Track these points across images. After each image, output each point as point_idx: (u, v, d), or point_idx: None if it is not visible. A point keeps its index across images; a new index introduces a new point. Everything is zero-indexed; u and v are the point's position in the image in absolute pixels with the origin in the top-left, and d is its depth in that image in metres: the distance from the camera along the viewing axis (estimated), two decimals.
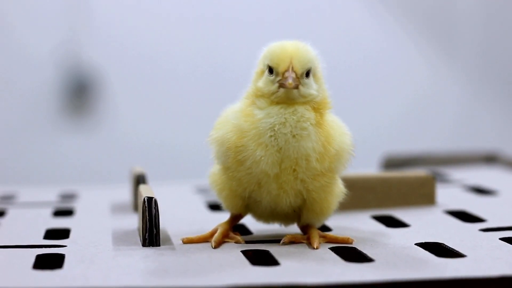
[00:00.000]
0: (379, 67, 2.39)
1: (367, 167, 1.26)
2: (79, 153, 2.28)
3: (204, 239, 0.89)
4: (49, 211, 1.10)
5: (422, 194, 1.08)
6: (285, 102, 0.84)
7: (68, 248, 0.86)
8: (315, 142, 0.84)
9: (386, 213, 1.05)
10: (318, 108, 0.85)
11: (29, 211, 1.10)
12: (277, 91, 0.84)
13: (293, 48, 0.85)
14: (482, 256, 0.81)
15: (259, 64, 0.87)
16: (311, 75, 0.85)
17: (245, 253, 0.84)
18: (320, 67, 0.87)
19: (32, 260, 0.81)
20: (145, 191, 0.90)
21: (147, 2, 2.32)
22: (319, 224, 0.90)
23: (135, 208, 1.06)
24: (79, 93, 2.27)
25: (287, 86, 0.83)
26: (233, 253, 0.83)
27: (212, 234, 0.89)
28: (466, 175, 1.32)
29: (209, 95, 2.26)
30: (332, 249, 0.85)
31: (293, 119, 0.84)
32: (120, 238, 0.91)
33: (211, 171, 0.91)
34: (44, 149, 2.27)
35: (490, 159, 1.43)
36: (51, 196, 1.23)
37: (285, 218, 0.89)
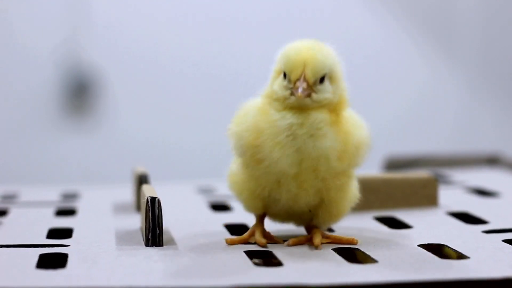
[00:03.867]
0: (380, 68, 2.39)
1: (369, 168, 1.26)
2: (81, 153, 2.28)
3: (245, 241, 0.88)
4: (51, 210, 1.10)
5: (424, 196, 1.08)
6: (299, 108, 0.83)
7: (71, 247, 0.86)
8: (333, 141, 0.83)
9: (388, 214, 1.05)
10: (334, 109, 0.84)
11: (32, 211, 1.10)
12: (289, 98, 0.83)
13: (307, 53, 0.83)
14: (485, 257, 0.81)
15: (277, 63, 0.86)
16: (326, 79, 0.84)
17: (249, 254, 0.84)
18: (339, 68, 0.86)
19: (35, 259, 0.81)
20: (148, 191, 0.90)
21: (147, 2, 2.32)
22: (327, 226, 0.89)
23: (138, 208, 1.06)
24: (79, 93, 2.27)
25: (297, 96, 0.82)
26: (236, 253, 0.83)
27: (250, 235, 0.88)
28: (468, 177, 1.32)
29: (210, 95, 2.26)
30: (335, 250, 0.85)
31: (308, 121, 0.83)
32: (123, 238, 0.91)
33: (230, 172, 0.90)
34: (45, 149, 2.27)
35: (492, 160, 1.44)
36: (53, 195, 1.23)
37: (299, 218, 0.89)
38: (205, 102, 2.26)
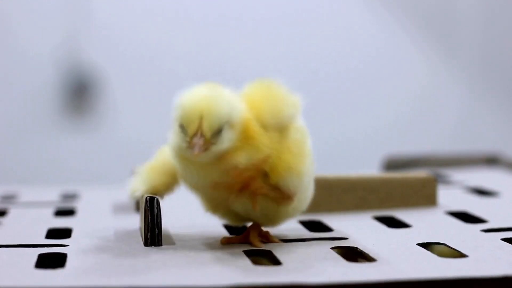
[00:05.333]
0: (379, 68, 2.39)
1: (368, 168, 1.26)
2: (80, 153, 2.28)
3: (240, 241, 0.88)
4: (50, 210, 1.10)
5: (423, 195, 1.08)
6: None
7: (70, 247, 0.86)
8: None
9: (387, 213, 1.05)
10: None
11: (31, 211, 1.10)
12: (186, 151, 0.80)
13: (204, 104, 0.79)
14: (484, 256, 0.81)
15: (174, 113, 0.83)
16: (225, 128, 0.79)
17: (248, 253, 0.84)
18: (237, 115, 0.80)
19: (34, 259, 0.81)
20: None
21: (147, 2, 2.32)
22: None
23: (137, 208, 1.06)
24: (79, 93, 2.27)
25: (193, 154, 0.79)
26: (235, 252, 0.83)
27: (245, 236, 0.88)
28: (467, 177, 1.32)
29: None
30: (333, 248, 0.85)
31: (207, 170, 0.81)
32: (122, 238, 0.91)
33: None
34: (45, 149, 2.27)
35: (491, 160, 1.44)
36: (53, 196, 1.23)
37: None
38: None
